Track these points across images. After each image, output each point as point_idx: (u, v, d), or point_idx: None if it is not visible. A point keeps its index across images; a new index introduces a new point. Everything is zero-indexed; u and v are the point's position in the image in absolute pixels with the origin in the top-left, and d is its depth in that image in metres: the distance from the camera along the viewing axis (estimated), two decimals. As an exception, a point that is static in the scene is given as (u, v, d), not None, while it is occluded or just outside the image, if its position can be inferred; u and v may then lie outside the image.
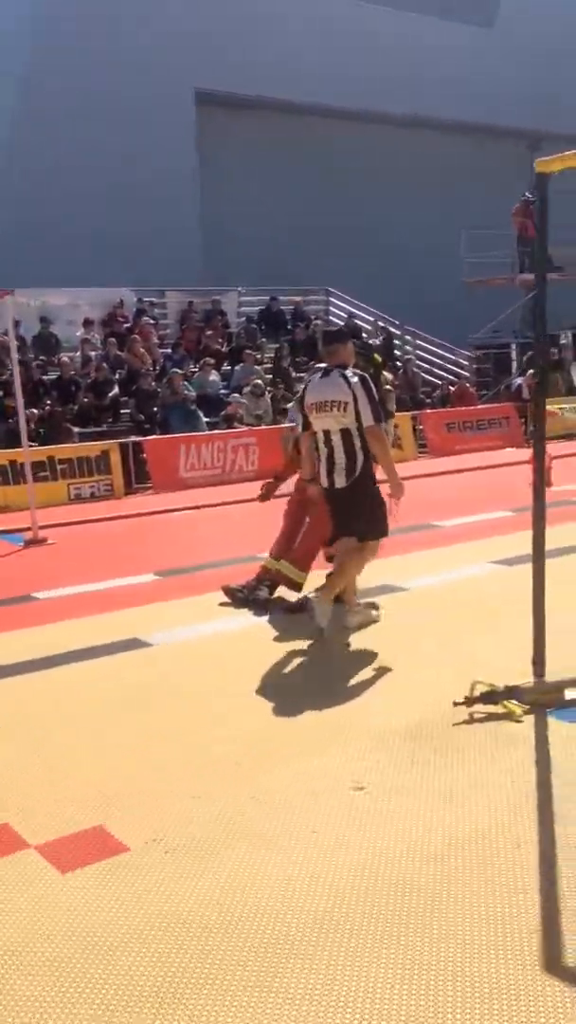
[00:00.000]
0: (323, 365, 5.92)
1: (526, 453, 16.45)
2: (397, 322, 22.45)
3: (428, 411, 17.48)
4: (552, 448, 18.51)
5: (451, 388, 19.43)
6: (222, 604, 6.77)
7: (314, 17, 26.12)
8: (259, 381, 17.02)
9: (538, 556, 4.55)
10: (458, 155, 29.19)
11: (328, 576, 6.11)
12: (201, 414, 16.43)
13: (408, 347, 22.33)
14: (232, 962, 2.76)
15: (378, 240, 26.03)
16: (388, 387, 8.95)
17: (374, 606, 6.20)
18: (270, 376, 19.11)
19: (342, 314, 22.95)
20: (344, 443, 5.66)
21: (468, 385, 19.71)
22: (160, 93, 23.24)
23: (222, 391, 17.73)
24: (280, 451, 15.35)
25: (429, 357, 21.96)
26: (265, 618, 6.45)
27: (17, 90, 21.93)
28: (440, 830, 3.48)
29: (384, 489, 5.85)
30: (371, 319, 22.69)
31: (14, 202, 20.88)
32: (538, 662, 4.56)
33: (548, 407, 17.98)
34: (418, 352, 22.10)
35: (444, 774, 3.92)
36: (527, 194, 22.41)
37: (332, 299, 23.59)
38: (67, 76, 21.86)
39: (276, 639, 6.02)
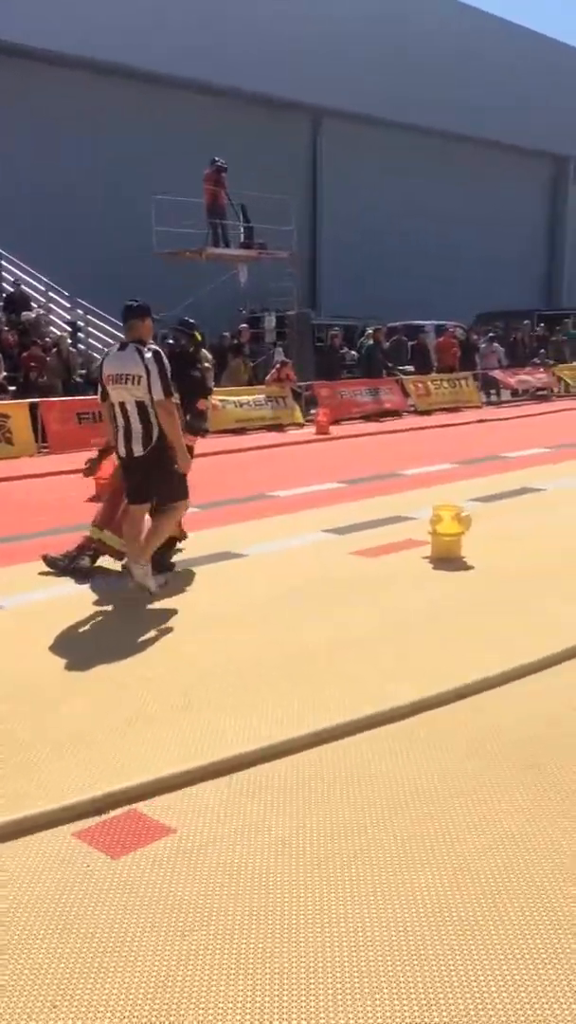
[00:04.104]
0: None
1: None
2: (67, 293, 19.94)
3: (53, 399, 14.97)
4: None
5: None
6: (42, 573, 6.73)
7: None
8: None
9: None
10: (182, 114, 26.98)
11: (144, 539, 6.18)
12: None
13: (80, 323, 19.89)
14: None
15: (67, 203, 23.42)
16: (207, 364, 8.61)
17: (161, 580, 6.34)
18: None
19: (10, 278, 20.19)
20: (140, 413, 5.93)
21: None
22: None
23: None
24: None
25: (101, 336, 19.51)
26: (87, 586, 6.42)
27: None
28: None
29: None
30: (41, 288, 20.11)
31: None
32: None
33: (208, 400, 14.72)
34: (90, 329, 19.70)
35: None
36: (217, 159, 20.41)
37: (3, 263, 20.72)
38: None
39: (96, 604, 6.06)
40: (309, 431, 17.22)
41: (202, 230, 20.94)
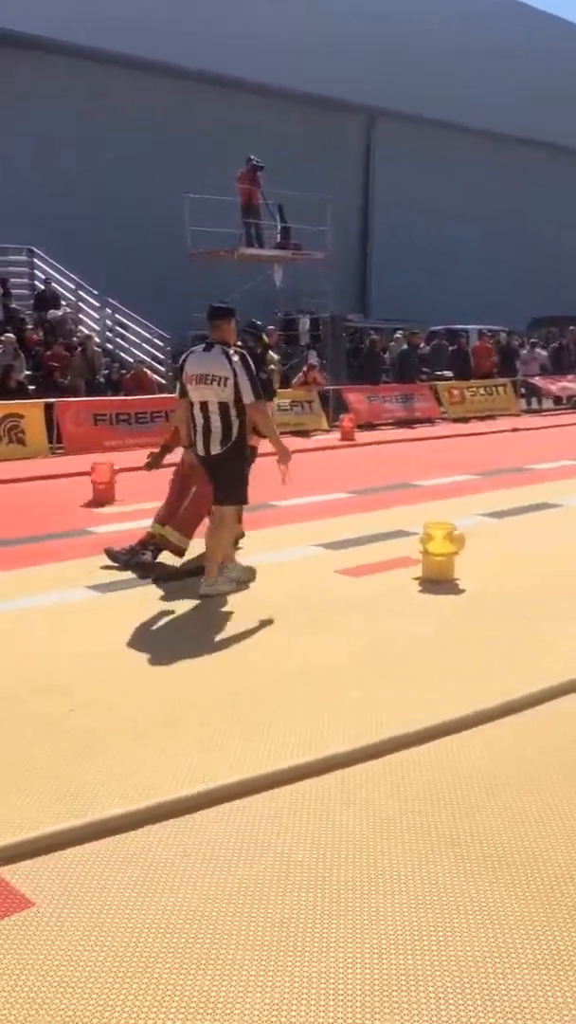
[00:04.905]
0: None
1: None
2: (96, 292, 19.68)
3: (69, 400, 14.68)
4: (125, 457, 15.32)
5: (124, 372, 16.81)
6: (104, 567, 6.79)
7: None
8: None
9: None
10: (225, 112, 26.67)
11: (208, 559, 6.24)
12: None
13: (109, 322, 19.63)
14: None
15: (100, 202, 23.23)
16: (273, 367, 8.79)
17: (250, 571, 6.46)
18: None
19: (41, 276, 20.04)
20: (221, 414, 5.99)
21: (147, 370, 17.04)
22: None
23: None
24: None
25: (130, 336, 19.24)
26: (147, 581, 6.43)
27: None
28: None
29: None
30: (71, 286, 19.90)
31: None
32: None
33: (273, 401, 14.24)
34: (117, 328, 19.43)
35: None
36: (252, 158, 20.02)
37: (36, 260, 20.56)
38: None
39: (162, 600, 6.07)
40: (335, 436, 16.74)
41: (237, 230, 20.58)
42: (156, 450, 7.15)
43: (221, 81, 26.35)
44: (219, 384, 5.94)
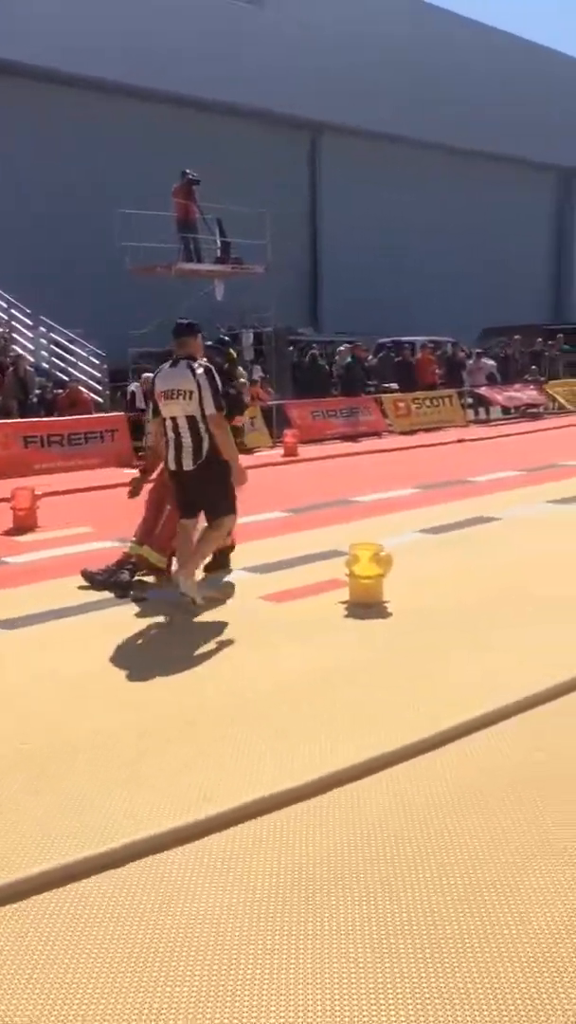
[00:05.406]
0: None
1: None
2: (29, 311, 19.17)
3: (3, 422, 14.13)
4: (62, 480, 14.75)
5: (57, 392, 16.31)
6: (81, 588, 6.72)
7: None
8: None
9: None
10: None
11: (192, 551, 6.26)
12: None
13: (43, 340, 19.09)
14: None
15: (32, 218, 22.73)
16: (242, 380, 9.06)
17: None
18: None
19: (-29, 297, 19.50)
20: (190, 428, 6.06)
21: (82, 389, 16.53)
22: None
23: None
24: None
25: (64, 354, 18.74)
26: (126, 601, 6.38)
27: None
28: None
29: None
30: (3, 305, 19.35)
31: None
32: None
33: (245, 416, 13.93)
34: (52, 348, 18.91)
35: None
36: (188, 172, 19.65)
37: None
38: None
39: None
40: (278, 452, 16.36)
41: (175, 245, 20.18)
42: (137, 476, 7.04)
43: (159, 96, 26.02)
44: (185, 398, 6.02)
